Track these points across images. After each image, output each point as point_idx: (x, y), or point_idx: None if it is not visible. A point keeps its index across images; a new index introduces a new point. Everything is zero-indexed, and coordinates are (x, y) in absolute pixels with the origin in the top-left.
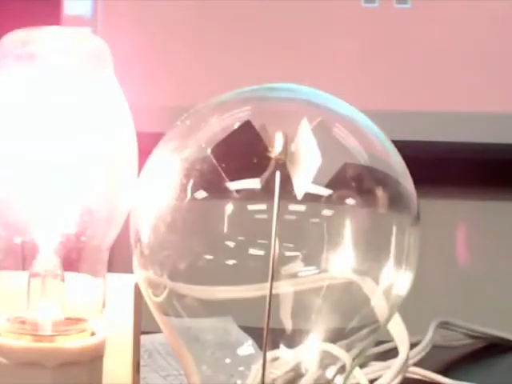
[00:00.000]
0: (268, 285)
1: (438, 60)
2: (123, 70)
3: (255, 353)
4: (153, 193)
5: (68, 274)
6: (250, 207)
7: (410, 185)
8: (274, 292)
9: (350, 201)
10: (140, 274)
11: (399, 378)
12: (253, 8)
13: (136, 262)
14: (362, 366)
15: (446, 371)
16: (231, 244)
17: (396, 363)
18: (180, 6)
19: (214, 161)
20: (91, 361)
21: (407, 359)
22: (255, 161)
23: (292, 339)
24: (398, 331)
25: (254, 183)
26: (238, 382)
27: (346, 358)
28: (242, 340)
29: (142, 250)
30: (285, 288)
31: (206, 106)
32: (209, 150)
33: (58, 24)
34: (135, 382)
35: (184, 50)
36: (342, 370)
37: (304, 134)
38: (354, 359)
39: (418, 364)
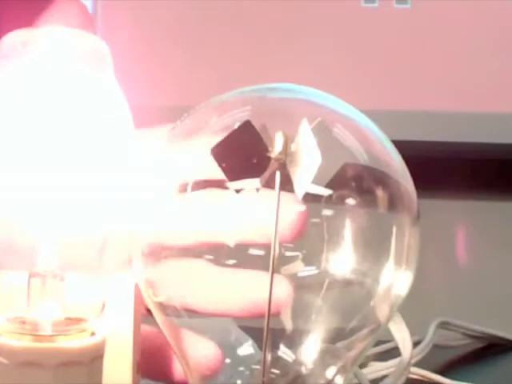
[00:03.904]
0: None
1: (437, 60)
2: (123, 70)
3: (255, 353)
4: (152, 192)
5: (68, 274)
6: None
7: (410, 185)
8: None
9: (350, 201)
10: (140, 274)
11: (402, 379)
12: (252, 8)
13: (136, 262)
14: (362, 365)
15: (445, 371)
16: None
17: (400, 364)
18: (179, 6)
19: (214, 161)
20: (91, 361)
21: (410, 360)
22: (255, 161)
23: (292, 339)
24: (400, 332)
25: (254, 183)
26: (238, 382)
27: (346, 358)
28: (242, 340)
29: (142, 250)
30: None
31: (206, 105)
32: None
33: None
34: (135, 382)
35: (183, 50)
36: (342, 370)
37: (304, 134)
38: (354, 359)
39: (418, 364)
